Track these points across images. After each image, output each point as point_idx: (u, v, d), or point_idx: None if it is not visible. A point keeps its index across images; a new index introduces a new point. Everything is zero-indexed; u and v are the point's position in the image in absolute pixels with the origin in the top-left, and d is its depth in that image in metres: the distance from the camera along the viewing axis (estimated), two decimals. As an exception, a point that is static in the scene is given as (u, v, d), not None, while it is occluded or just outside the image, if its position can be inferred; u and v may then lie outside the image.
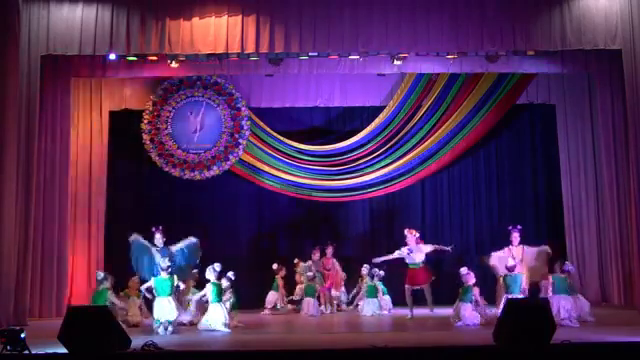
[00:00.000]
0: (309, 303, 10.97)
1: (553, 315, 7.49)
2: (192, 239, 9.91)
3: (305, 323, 10.28)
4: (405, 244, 10.72)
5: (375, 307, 10.90)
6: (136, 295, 10.04)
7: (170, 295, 8.97)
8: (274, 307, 11.35)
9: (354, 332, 9.30)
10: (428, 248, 10.76)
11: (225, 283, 9.62)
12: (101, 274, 9.74)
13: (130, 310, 9.85)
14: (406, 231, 10.84)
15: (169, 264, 9.13)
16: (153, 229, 9.99)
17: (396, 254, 10.75)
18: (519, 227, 10.50)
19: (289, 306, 11.52)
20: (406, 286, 10.62)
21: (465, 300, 9.41)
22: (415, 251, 10.64)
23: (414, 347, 7.02)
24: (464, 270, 9.68)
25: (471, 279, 9.58)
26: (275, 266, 11.51)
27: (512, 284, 9.21)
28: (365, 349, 6.85)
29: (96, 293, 9.62)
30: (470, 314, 9.29)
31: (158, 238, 9.93)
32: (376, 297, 11.02)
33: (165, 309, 8.87)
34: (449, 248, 10.82)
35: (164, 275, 9.03)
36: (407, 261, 10.67)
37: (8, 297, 9.46)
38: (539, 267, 10.14)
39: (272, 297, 11.34)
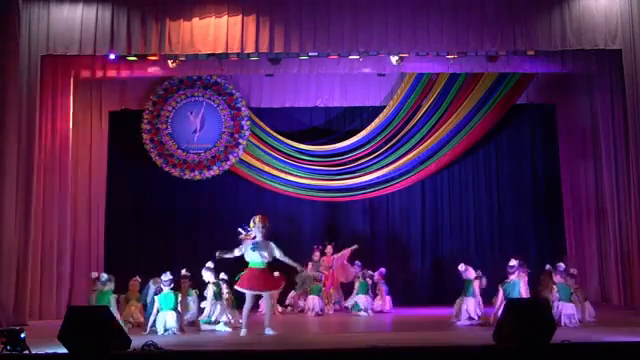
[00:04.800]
0: (314, 300, 10.91)
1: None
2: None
3: (305, 323, 10.27)
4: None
5: (366, 304, 10.80)
6: (136, 299, 9.88)
7: (174, 309, 8.86)
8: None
9: (354, 332, 9.29)
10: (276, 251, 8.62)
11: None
12: (105, 275, 9.38)
13: (132, 314, 9.68)
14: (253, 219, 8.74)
15: (170, 277, 9.00)
16: None
17: (236, 252, 8.68)
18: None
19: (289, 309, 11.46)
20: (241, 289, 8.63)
21: (468, 294, 9.42)
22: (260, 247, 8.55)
23: (414, 347, 7.01)
24: (462, 267, 9.62)
25: (471, 274, 9.56)
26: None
27: (511, 291, 8.95)
28: (365, 349, 6.85)
29: (100, 294, 9.24)
30: (473, 307, 9.30)
31: None
32: (367, 294, 10.91)
33: (169, 322, 8.77)
34: None
35: (166, 290, 8.89)
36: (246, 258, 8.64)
37: (8, 297, 9.46)
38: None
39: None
